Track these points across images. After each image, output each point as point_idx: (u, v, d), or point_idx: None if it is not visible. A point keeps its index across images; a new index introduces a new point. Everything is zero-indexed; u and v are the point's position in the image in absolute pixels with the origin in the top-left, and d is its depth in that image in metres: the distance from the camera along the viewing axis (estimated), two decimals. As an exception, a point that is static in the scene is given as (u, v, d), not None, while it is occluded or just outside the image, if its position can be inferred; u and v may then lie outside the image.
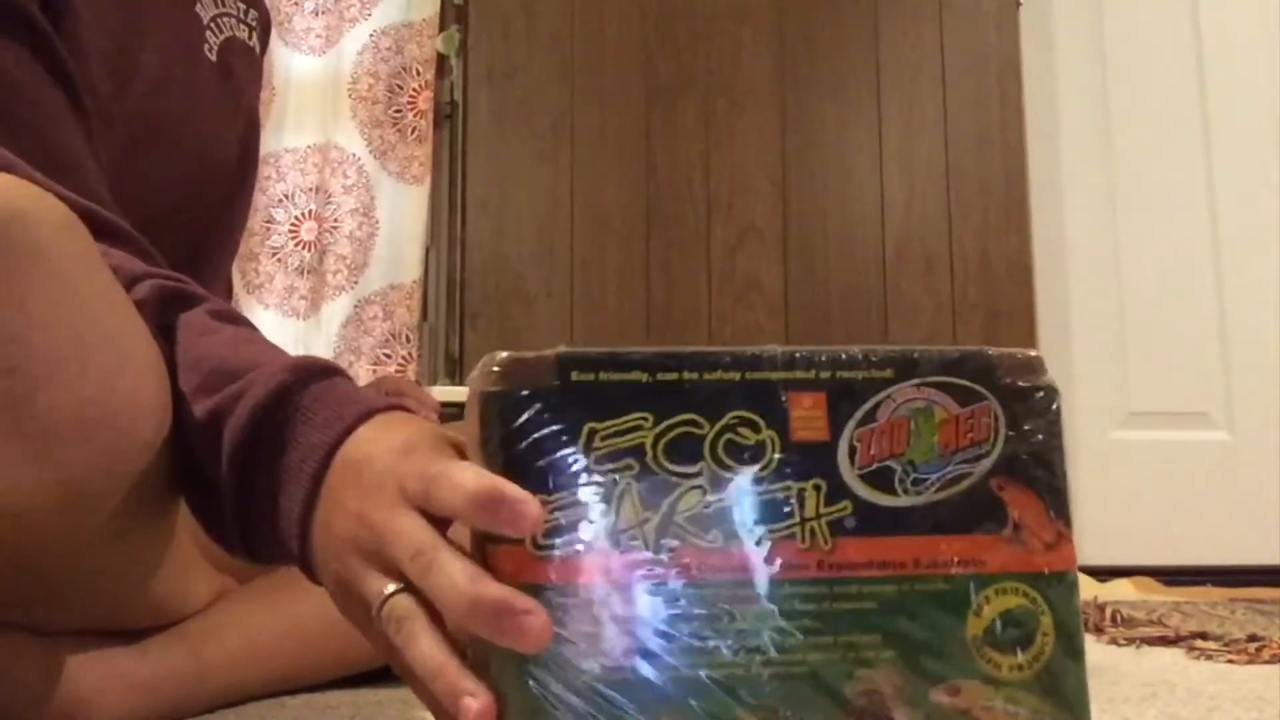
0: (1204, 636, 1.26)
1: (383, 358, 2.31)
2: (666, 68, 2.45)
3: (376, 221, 2.37)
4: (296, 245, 2.36)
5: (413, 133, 2.40)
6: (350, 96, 2.41)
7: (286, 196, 2.38)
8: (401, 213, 2.37)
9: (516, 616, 0.45)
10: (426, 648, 0.49)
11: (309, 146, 2.40)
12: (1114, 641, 1.27)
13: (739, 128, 2.43)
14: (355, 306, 2.35)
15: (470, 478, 0.48)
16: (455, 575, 0.47)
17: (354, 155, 2.40)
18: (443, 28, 2.45)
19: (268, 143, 2.40)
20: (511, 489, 0.46)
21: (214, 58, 0.98)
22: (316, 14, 2.46)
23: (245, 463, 0.60)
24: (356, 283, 2.35)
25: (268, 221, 2.37)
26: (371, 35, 2.43)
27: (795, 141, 2.43)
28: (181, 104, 0.93)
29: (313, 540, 0.56)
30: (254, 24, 1.06)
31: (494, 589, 0.46)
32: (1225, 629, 1.32)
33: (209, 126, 0.96)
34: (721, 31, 2.46)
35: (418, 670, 0.49)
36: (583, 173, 2.41)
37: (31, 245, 0.57)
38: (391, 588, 0.51)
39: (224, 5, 1.01)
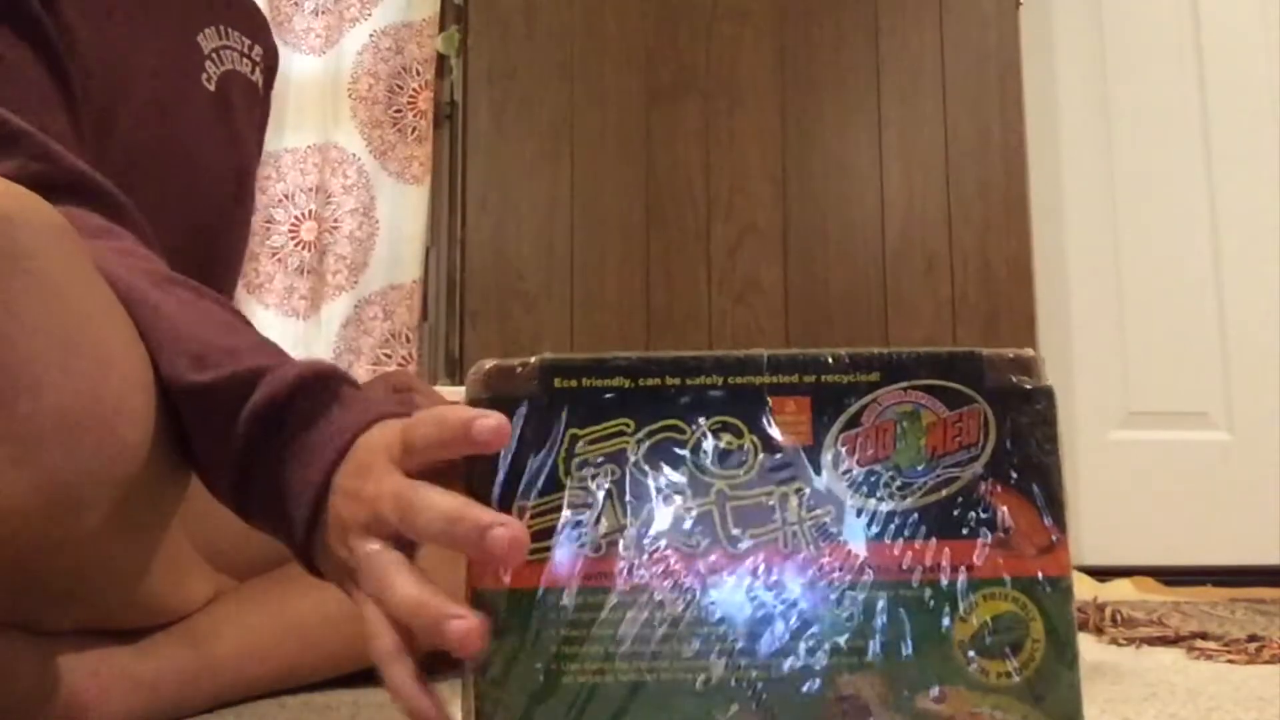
0: (1204, 636, 1.25)
1: (383, 358, 2.31)
2: (666, 68, 2.44)
3: (376, 221, 2.37)
4: (296, 245, 2.36)
5: (413, 133, 2.39)
6: (350, 96, 2.41)
7: (286, 196, 2.38)
8: (401, 213, 2.37)
9: (493, 528, 0.47)
10: (404, 587, 0.49)
11: (309, 146, 2.40)
12: (1114, 641, 1.27)
13: (739, 128, 2.43)
14: (355, 306, 2.35)
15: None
16: (436, 502, 0.49)
17: (354, 155, 2.39)
18: (443, 28, 2.44)
19: (268, 143, 2.39)
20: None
21: (212, 88, 0.98)
22: (316, 14, 2.45)
23: (258, 436, 0.60)
24: (356, 283, 2.35)
25: (268, 221, 2.37)
26: (371, 35, 2.43)
27: (795, 141, 2.43)
28: (175, 130, 0.93)
29: (324, 519, 0.56)
30: (258, 59, 1.07)
31: (475, 509, 0.48)
32: (1225, 629, 1.31)
33: (203, 155, 0.96)
34: (721, 32, 2.45)
35: (401, 613, 0.49)
36: (583, 173, 2.41)
37: (17, 249, 0.57)
38: (376, 545, 0.52)
39: (227, 38, 1.01)
